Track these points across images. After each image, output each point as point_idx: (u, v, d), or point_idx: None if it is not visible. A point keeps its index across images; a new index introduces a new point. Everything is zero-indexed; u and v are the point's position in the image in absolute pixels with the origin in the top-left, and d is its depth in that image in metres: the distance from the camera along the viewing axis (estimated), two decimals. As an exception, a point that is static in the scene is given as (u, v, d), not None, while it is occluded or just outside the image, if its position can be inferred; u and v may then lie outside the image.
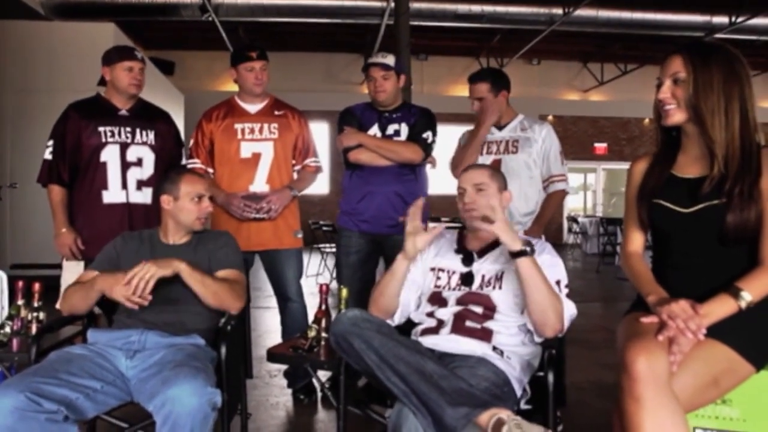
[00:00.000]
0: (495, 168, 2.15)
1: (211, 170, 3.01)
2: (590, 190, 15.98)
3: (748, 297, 1.54)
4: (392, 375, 1.58)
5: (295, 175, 3.10)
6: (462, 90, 13.84)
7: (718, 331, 1.52)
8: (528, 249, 1.75)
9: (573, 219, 13.21)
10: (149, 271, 1.93)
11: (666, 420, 1.40)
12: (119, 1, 8.64)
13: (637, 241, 1.85)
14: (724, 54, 1.64)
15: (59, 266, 2.92)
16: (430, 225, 1.94)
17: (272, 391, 3.25)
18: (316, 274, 7.58)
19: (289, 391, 3.15)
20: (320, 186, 13.22)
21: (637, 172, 1.83)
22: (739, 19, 9.20)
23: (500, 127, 3.00)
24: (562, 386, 2.64)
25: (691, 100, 1.63)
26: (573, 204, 15.73)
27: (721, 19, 9.34)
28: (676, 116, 1.68)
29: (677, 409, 1.42)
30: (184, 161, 3.02)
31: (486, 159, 2.95)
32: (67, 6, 8.43)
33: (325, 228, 7.45)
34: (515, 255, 1.76)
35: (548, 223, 2.99)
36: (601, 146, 14.99)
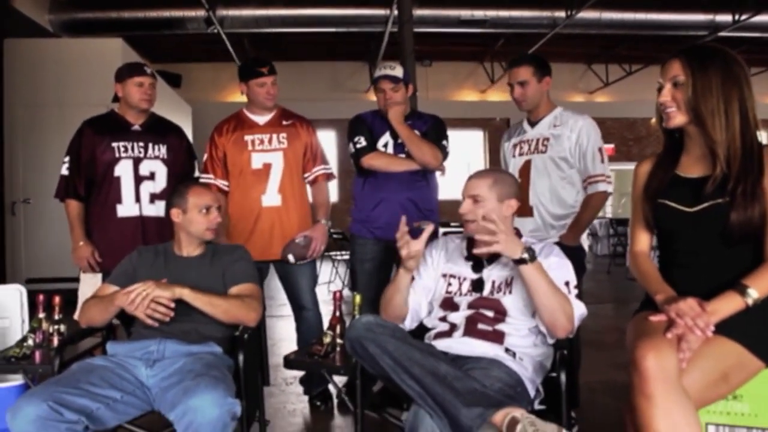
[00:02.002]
0: (502, 175, 2.10)
1: (226, 183, 3.04)
2: (598, 191, 15.92)
3: (754, 294, 1.56)
4: (407, 378, 1.61)
5: (308, 187, 3.13)
6: (466, 95, 13.92)
7: (726, 328, 1.55)
8: (527, 256, 1.77)
9: (582, 220, 13.17)
10: (147, 289, 1.99)
11: (677, 416, 1.43)
12: (126, 17, 8.73)
13: (643, 241, 1.88)
14: (722, 56, 1.68)
15: (74, 280, 2.98)
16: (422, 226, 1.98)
17: (289, 398, 3.28)
18: (328, 281, 7.60)
19: (306, 398, 3.18)
20: (330, 193, 13.20)
21: (641, 173, 1.87)
22: (743, 17, 9.18)
23: (533, 124, 2.87)
24: (575, 386, 2.67)
25: (691, 103, 1.66)
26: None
27: (725, 18, 9.33)
28: (677, 119, 1.71)
29: (688, 405, 1.45)
30: (197, 174, 3.07)
31: (519, 160, 2.87)
32: (75, 23, 8.54)
33: (335, 236, 7.48)
34: (517, 262, 1.79)
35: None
36: (608, 147, 14.94)
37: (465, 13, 9.13)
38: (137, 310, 1.99)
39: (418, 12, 8.39)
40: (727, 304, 1.57)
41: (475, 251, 1.89)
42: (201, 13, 8.61)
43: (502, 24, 9.38)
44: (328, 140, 13.10)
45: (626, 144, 14.92)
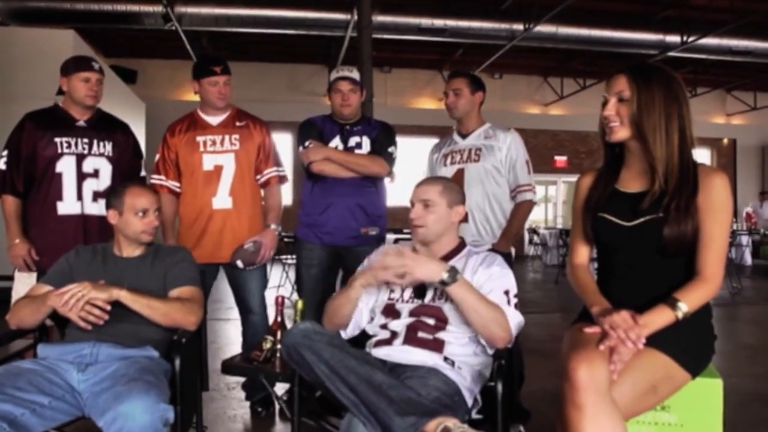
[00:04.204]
0: (450, 182, 2.15)
1: (177, 185, 2.99)
2: (551, 202, 16.25)
3: (684, 308, 1.61)
4: (342, 386, 1.60)
5: (261, 191, 3.10)
6: (425, 102, 14.03)
7: (656, 341, 1.59)
8: (446, 278, 1.77)
9: (534, 231, 13.44)
10: (82, 290, 1.93)
11: (606, 426, 1.46)
12: (80, 8, 8.47)
13: (582, 253, 1.92)
14: (665, 75, 1.73)
15: (10, 278, 2.87)
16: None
17: (230, 403, 3.23)
18: (278, 285, 7.52)
19: (247, 403, 3.13)
20: (284, 197, 13.09)
21: (583, 186, 1.90)
22: (690, 39, 9.52)
23: (464, 136, 3.03)
24: (514, 397, 2.70)
25: (635, 118, 1.71)
26: (534, 216, 15.88)
27: (674, 38, 9.66)
28: (620, 133, 1.75)
29: (617, 415, 1.48)
30: (143, 174, 3.00)
31: (450, 169, 2.98)
32: (25, 11, 8.26)
33: (287, 239, 7.41)
34: (441, 284, 1.79)
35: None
36: (561, 159, 15.29)
37: (425, 22, 9.21)
38: (71, 312, 1.93)
39: (379, 18, 8.43)
40: (659, 317, 1.61)
41: (399, 285, 1.91)
42: (159, 8, 8.45)
43: (461, 34, 9.50)
44: (284, 143, 12.97)
45: (578, 157, 15.27)
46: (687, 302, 1.61)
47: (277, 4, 8.93)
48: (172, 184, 2.99)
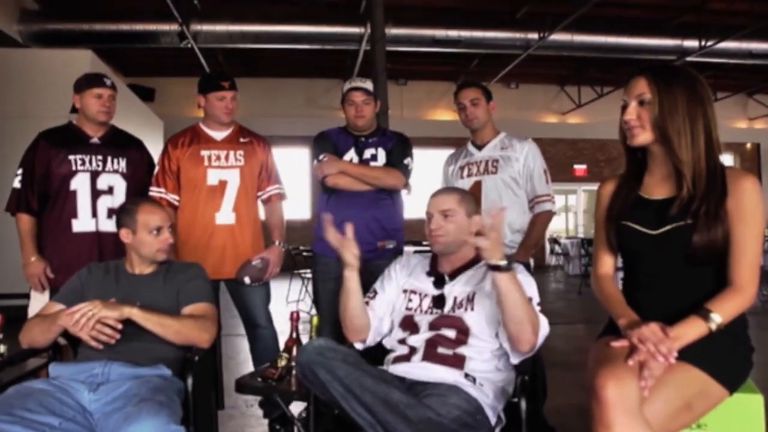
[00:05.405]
0: (465, 192, 2.11)
1: (177, 198, 2.93)
2: (571, 211, 16.10)
3: (718, 319, 1.53)
4: (357, 406, 1.55)
5: (260, 204, 3.07)
6: (441, 114, 13.98)
7: (689, 354, 1.51)
8: (503, 264, 1.66)
9: (555, 240, 13.29)
10: (93, 309, 1.90)
11: (638, 447, 1.38)
12: (98, 29, 8.58)
13: (607, 263, 1.84)
14: (686, 76, 1.66)
15: (25, 296, 2.86)
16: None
17: (248, 421, 3.18)
18: (297, 300, 7.49)
19: (266, 421, 3.08)
20: (302, 211, 13.16)
21: (604, 194, 1.83)
22: (709, 43, 9.39)
23: (480, 147, 2.99)
24: (539, 413, 2.62)
25: (657, 121, 1.64)
26: (555, 225, 15.82)
27: (692, 43, 9.53)
28: (642, 137, 1.68)
29: (649, 435, 1.40)
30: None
31: (467, 181, 2.94)
32: (45, 34, 8.38)
33: (305, 253, 7.39)
34: (492, 268, 1.68)
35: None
36: (580, 168, 15.15)
37: (439, 33, 9.18)
38: (81, 331, 1.90)
39: (393, 31, 8.43)
40: (691, 330, 1.53)
41: (472, 240, 1.81)
42: (174, 27, 8.52)
43: (476, 44, 9.45)
44: (301, 157, 13.04)
45: (598, 165, 15.12)
46: (720, 313, 1.53)
47: (290, 20, 8.97)
48: (172, 197, 2.93)
